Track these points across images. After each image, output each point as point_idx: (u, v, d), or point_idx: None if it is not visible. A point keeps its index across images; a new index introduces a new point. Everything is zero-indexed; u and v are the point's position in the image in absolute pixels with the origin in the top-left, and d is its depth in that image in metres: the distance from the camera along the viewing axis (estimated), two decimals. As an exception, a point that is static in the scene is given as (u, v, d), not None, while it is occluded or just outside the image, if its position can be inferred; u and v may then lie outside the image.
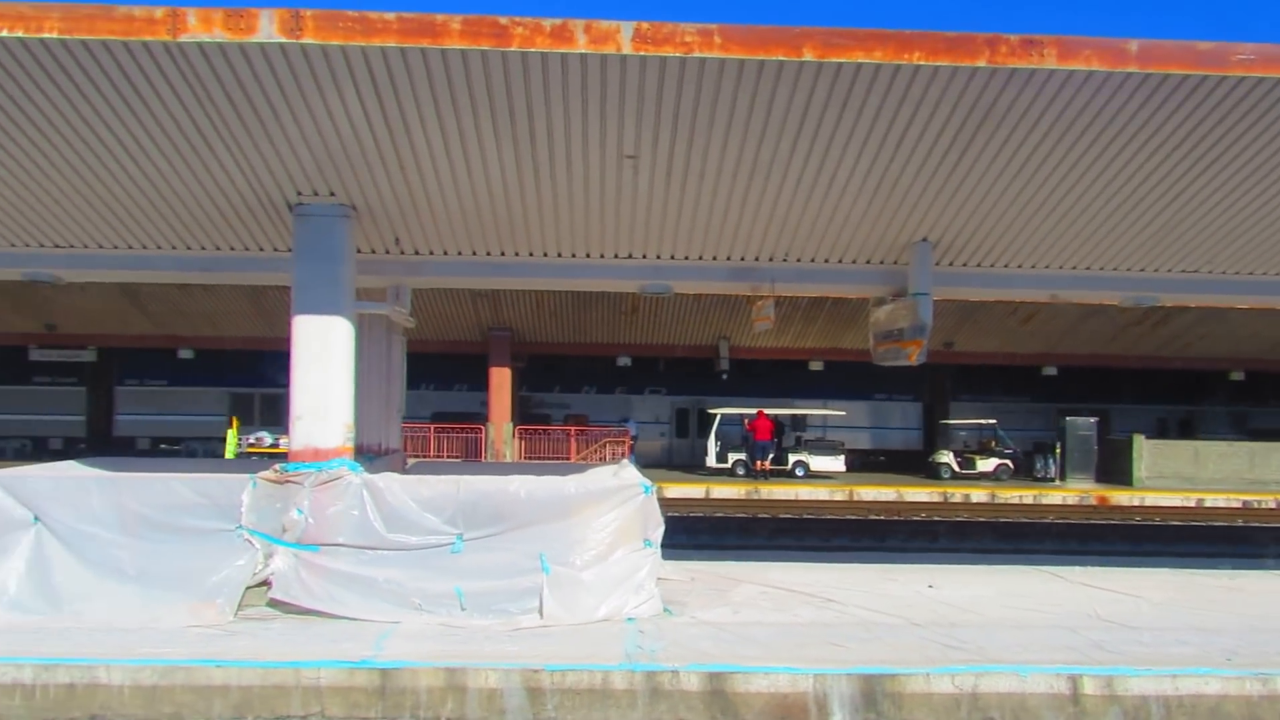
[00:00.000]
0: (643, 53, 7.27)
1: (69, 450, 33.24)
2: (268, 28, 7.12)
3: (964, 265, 10.96)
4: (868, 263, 10.96)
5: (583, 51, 7.27)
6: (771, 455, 30.04)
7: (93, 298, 28.00)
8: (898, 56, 7.35)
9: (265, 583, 9.01)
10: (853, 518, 23.04)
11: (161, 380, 35.23)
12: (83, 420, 35.16)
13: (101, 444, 34.58)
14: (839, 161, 8.88)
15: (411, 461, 14.18)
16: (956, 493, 26.23)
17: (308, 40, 7.17)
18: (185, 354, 32.52)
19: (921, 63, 7.38)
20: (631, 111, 8.11)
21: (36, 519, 9.07)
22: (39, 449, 33.98)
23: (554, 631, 8.44)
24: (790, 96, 7.90)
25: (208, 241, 10.51)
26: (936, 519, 23.10)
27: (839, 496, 25.73)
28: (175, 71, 7.59)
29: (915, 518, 23.32)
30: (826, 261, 10.95)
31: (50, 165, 8.94)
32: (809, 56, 7.33)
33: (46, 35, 7.02)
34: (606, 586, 8.95)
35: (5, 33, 6.97)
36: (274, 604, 8.95)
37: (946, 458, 31.39)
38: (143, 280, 12.95)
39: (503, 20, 7.19)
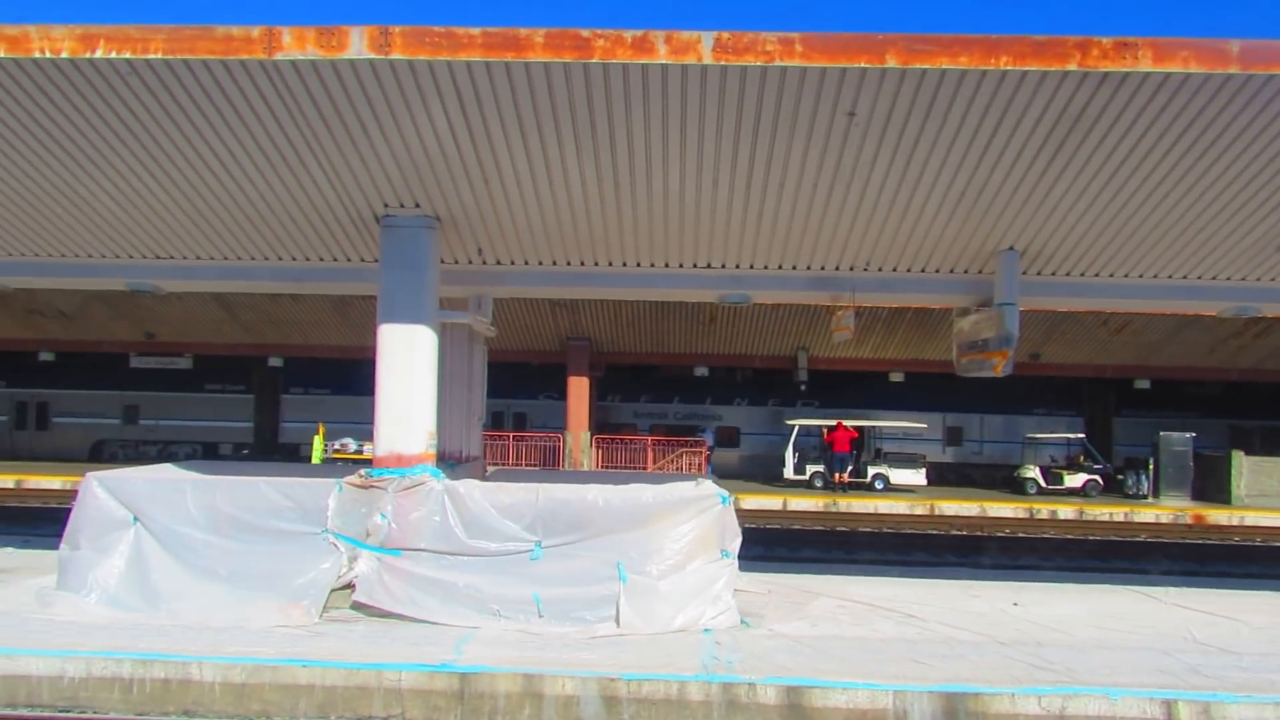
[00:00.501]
0: (723, 62, 7.28)
1: (234, 456, 34.46)
2: (358, 45, 7.33)
3: (1053, 274, 10.68)
4: (951, 272, 10.76)
5: (663, 62, 7.30)
6: (850, 468, 29.64)
7: (189, 307, 29.07)
8: (984, 62, 7.22)
9: (349, 585, 9.22)
10: (934, 532, 22.57)
11: (325, 389, 36.07)
12: (250, 427, 36.10)
13: (268, 450, 35.77)
14: (922, 169, 8.75)
15: (491, 469, 14.37)
16: (1043, 509, 25.51)
17: (396, 56, 7.35)
18: (345, 364, 33.15)
19: (1009, 67, 7.24)
20: (711, 121, 8.11)
21: (136, 519, 9.44)
22: (209, 454, 35.08)
23: (630, 640, 8.45)
24: (873, 104, 7.82)
25: (299, 252, 10.83)
26: (1021, 535, 22.47)
27: (920, 511, 25.24)
28: (270, 88, 7.85)
29: (999, 534, 22.73)
30: (909, 271, 10.79)
31: (153, 180, 9.31)
32: (892, 63, 7.24)
33: (152, 56, 7.34)
34: (683, 596, 8.94)
35: (115, 55, 7.31)
36: (357, 606, 9.15)
37: (1032, 472, 30.55)
38: (237, 290, 13.36)
39: (585, 33, 7.27)
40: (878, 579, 11.90)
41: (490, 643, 8.28)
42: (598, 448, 32.06)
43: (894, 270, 10.79)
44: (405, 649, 7.99)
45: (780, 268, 10.88)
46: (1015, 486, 31.04)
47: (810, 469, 30.42)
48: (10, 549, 12.90)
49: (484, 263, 10.94)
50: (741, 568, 9.70)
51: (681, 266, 10.96)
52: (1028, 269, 10.49)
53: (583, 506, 9.11)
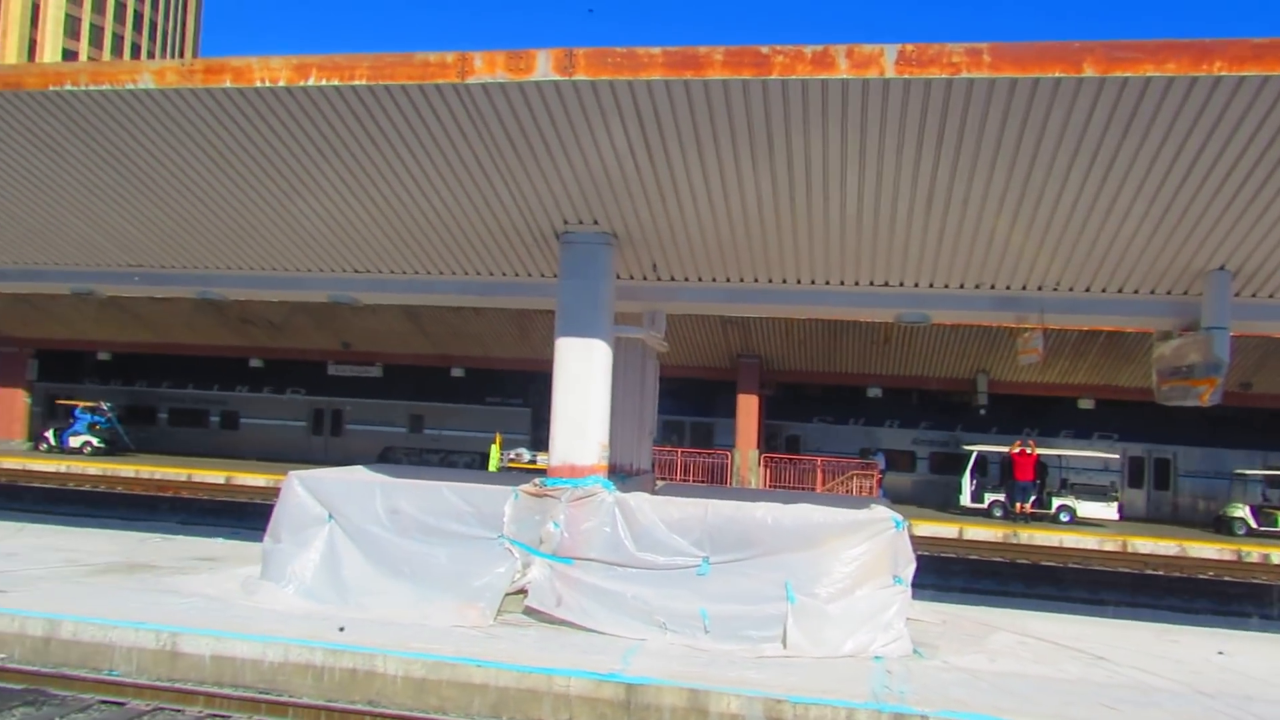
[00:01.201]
0: (906, 75, 7.12)
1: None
2: (544, 67, 7.60)
3: (1270, 296, 9.83)
4: (1152, 293, 10.08)
5: (844, 77, 7.21)
6: (1034, 497, 28.15)
7: (381, 319, 30.82)
8: (1195, 68, 6.75)
9: (522, 590, 9.50)
10: (1126, 570, 21.13)
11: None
12: (528, 439, 37.63)
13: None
14: (1121, 184, 8.25)
15: (660, 483, 14.50)
16: (1253, 551, 23.42)
17: (579, 77, 7.58)
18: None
19: (1224, 73, 6.73)
20: (892, 136, 7.94)
21: (331, 516, 10.07)
22: (484, 465, 36.61)
23: (797, 662, 8.31)
24: (1066, 116, 7.44)
25: (483, 267, 11.30)
26: (1228, 579, 20.72)
27: (1110, 547, 23.68)
28: (461, 110, 8.25)
29: (1201, 576, 21.04)
30: (1104, 291, 10.18)
31: (354, 198, 9.95)
32: (1090, 72, 6.88)
33: (356, 82, 7.86)
34: (853, 621, 8.73)
35: (324, 82, 7.87)
36: (529, 611, 9.41)
37: (1241, 511, 28.10)
38: (425, 303, 14.07)
39: (764, 49, 7.27)
40: (1063, 616, 11.25)
41: (657, 655, 8.34)
42: (766, 466, 31.81)
43: (1086, 290, 10.21)
44: (574, 656, 8.15)
45: (962, 287, 10.50)
46: (1221, 526, 28.65)
47: (989, 497, 29.09)
48: (220, 539, 14.02)
49: (658, 278, 11.08)
50: (914, 596, 9.39)
51: (857, 284, 10.75)
52: (1240, 290, 9.70)
53: (751, 524, 9.06)
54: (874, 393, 33.13)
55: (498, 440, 32.60)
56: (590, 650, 8.38)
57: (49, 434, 34.91)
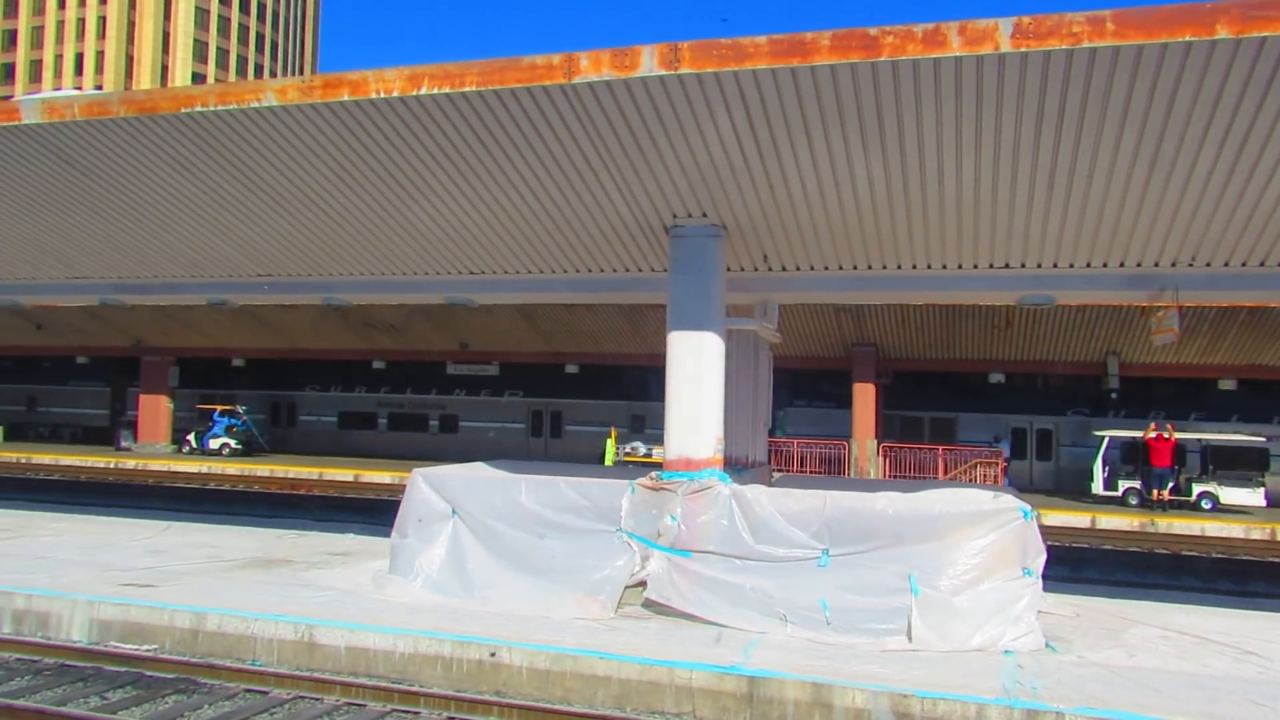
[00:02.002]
0: (1024, 49, 6.85)
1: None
2: (649, 63, 7.62)
3: None
4: (1298, 265, 9.47)
5: (957, 54, 6.99)
6: (1171, 484, 26.78)
7: (496, 318, 31.46)
8: (1342, 23, 6.30)
9: (641, 583, 9.56)
10: (1276, 561, 19.92)
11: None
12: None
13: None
14: (1260, 150, 7.76)
15: (776, 475, 14.38)
16: None
17: (685, 71, 7.56)
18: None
19: (1374, 27, 6.26)
20: (1009, 112, 7.66)
21: (454, 512, 10.34)
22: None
23: (923, 656, 8.13)
24: (1199, 81, 7.04)
25: (593, 264, 11.41)
26: (1392, 569, 19.30)
27: (1258, 535, 22.37)
28: (569, 110, 8.34)
29: (1362, 566, 19.66)
30: (1244, 265, 9.61)
31: (467, 202, 10.18)
32: (1224, 34, 6.49)
33: (467, 89, 8.04)
34: (981, 614, 8.48)
35: (436, 90, 8.08)
36: (648, 604, 9.47)
37: None
38: (538, 301, 14.33)
39: (872, 31, 7.11)
40: (1206, 609, 10.69)
41: (778, 648, 8.28)
42: (884, 456, 31.20)
43: (1225, 265, 9.66)
44: (695, 649, 8.16)
45: (1089, 266, 10.06)
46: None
47: (1123, 484, 27.83)
48: (351, 535, 14.57)
49: (769, 269, 10.99)
50: (1046, 588, 9.06)
51: (976, 267, 10.42)
52: (1399, 258, 9.03)
53: (871, 516, 8.90)
54: (996, 379, 32.06)
55: (613, 435, 32.90)
56: (711, 643, 8.38)
57: (191, 437, 36.91)
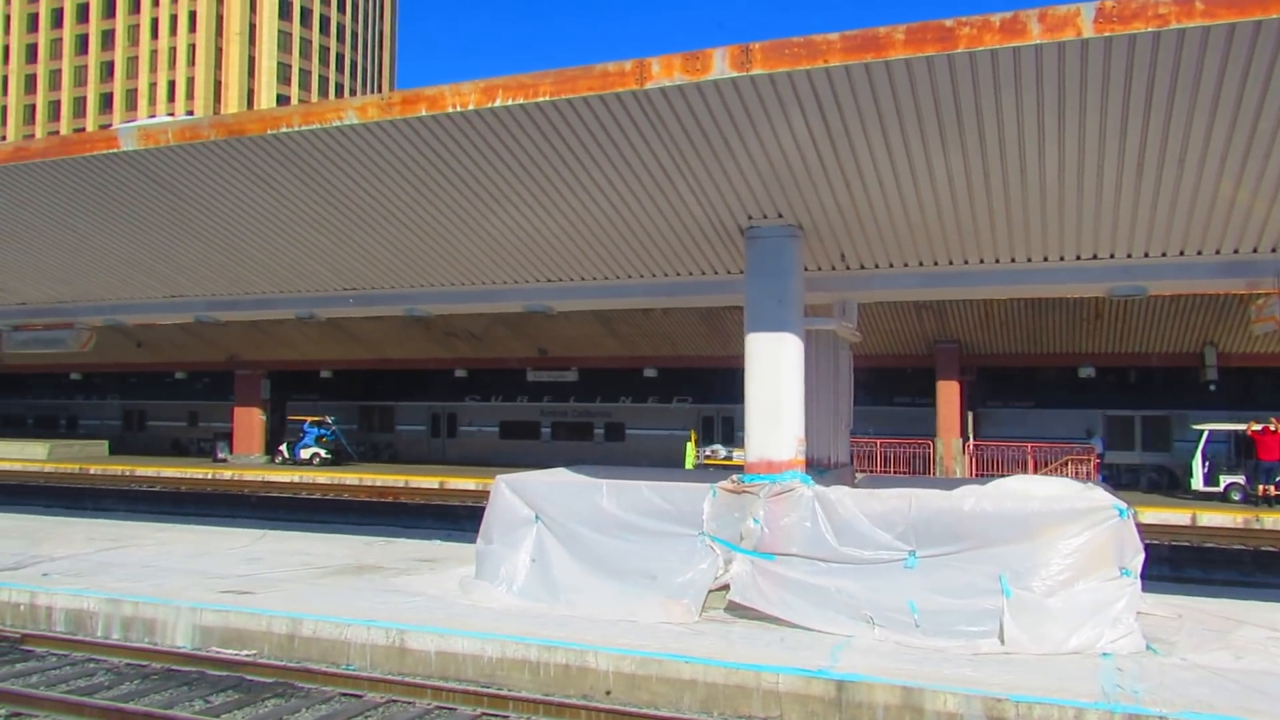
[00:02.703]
0: (1107, 33, 6.65)
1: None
2: (720, 65, 7.60)
3: None
4: None
5: (1037, 43, 6.82)
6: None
7: (574, 324, 31.72)
8: None
9: (724, 586, 9.53)
10: (1396, 558, 18.89)
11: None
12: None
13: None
14: (1367, 127, 7.39)
15: (860, 476, 14.20)
16: None
17: (756, 71, 7.53)
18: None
19: None
20: (1093, 99, 7.44)
21: (538, 517, 10.46)
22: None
23: (1017, 659, 7.94)
24: (1297, 58, 6.74)
25: (669, 268, 11.43)
26: None
27: (1375, 531, 21.26)
28: (641, 116, 8.37)
29: None
30: (1351, 248, 9.16)
31: (544, 210, 10.29)
32: (1322, 8, 6.20)
33: (541, 99, 8.13)
34: (1076, 616, 8.24)
35: (511, 101, 8.19)
36: (732, 607, 9.43)
37: None
38: (615, 306, 14.42)
39: (948, 23, 6.99)
40: (1320, 609, 10.21)
41: (866, 652, 8.17)
42: (970, 454, 30.54)
43: (1331, 248, 9.23)
44: (781, 652, 8.11)
45: (1182, 254, 9.71)
46: None
47: (1225, 479, 26.73)
48: (438, 541, 14.84)
49: (847, 268, 10.86)
50: (1144, 588, 8.76)
51: (1062, 259, 10.15)
52: None
53: (959, 516, 8.72)
54: (1086, 372, 31.10)
55: (693, 438, 32.86)
56: (797, 646, 8.31)
57: (283, 447, 38.06)
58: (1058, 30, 6.73)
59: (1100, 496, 8.80)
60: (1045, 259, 10.18)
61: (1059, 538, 8.41)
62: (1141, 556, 8.49)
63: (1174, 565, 17.17)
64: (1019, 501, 8.70)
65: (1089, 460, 29.00)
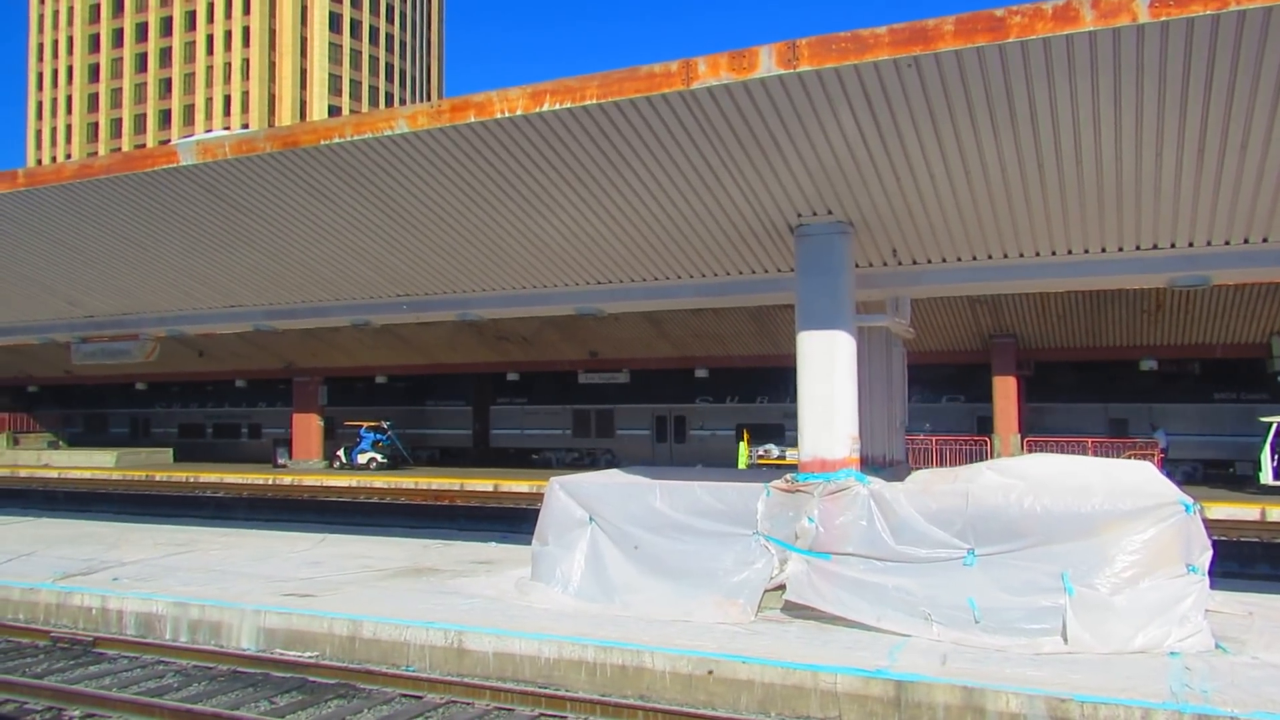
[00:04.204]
0: (1163, 18, 6.50)
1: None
2: (767, 62, 7.57)
3: None
4: None
5: (1090, 29, 6.69)
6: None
7: (624, 326, 31.80)
8: None
9: (779, 587, 9.48)
10: None
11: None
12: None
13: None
14: None
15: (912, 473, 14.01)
16: None
17: (804, 68, 7.48)
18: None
19: None
20: (1151, 85, 7.27)
21: (592, 519, 10.50)
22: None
23: (1080, 659, 7.79)
24: (1365, 37, 6.52)
25: (718, 268, 11.40)
26: None
27: None
28: (689, 116, 8.37)
29: None
30: None
31: (592, 213, 10.33)
32: (1391, -16, 6.00)
33: (588, 102, 8.17)
34: (1142, 614, 8.06)
35: (558, 105, 8.24)
36: (788, 607, 9.38)
37: None
38: (665, 308, 14.43)
39: (999, 13, 6.88)
40: (1401, 606, 9.86)
41: (925, 652, 8.08)
42: (1028, 450, 30.00)
43: (1405, 232, 8.91)
44: (838, 652, 8.04)
45: (1246, 242, 9.44)
46: None
47: (1295, 473, 25.94)
48: (494, 543, 14.96)
49: (899, 264, 10.74)
50: (1212, 586, 8.54)
51: (1121, 250, 9.93)
52: None
53: (1018, 513, 8.58)
54: (1148, 365, 30.41)
55: (745, 437, 32.74)
56: (855, 646, 8.24)
57: (340, 452, 38.67)
58: (1112, 16, 6.60)
59: (1166, 491, 8.59)
60: (1103, 250, 9.97)
61: (1123, 534, 8.23)
62: (1209, 553, 8.28)
63: (1243, 562, 16.71)
64: (1080, 498, 8.53)
65: (1153, 455, 28.33)
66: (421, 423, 43.84)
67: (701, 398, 38.47)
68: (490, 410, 42.78)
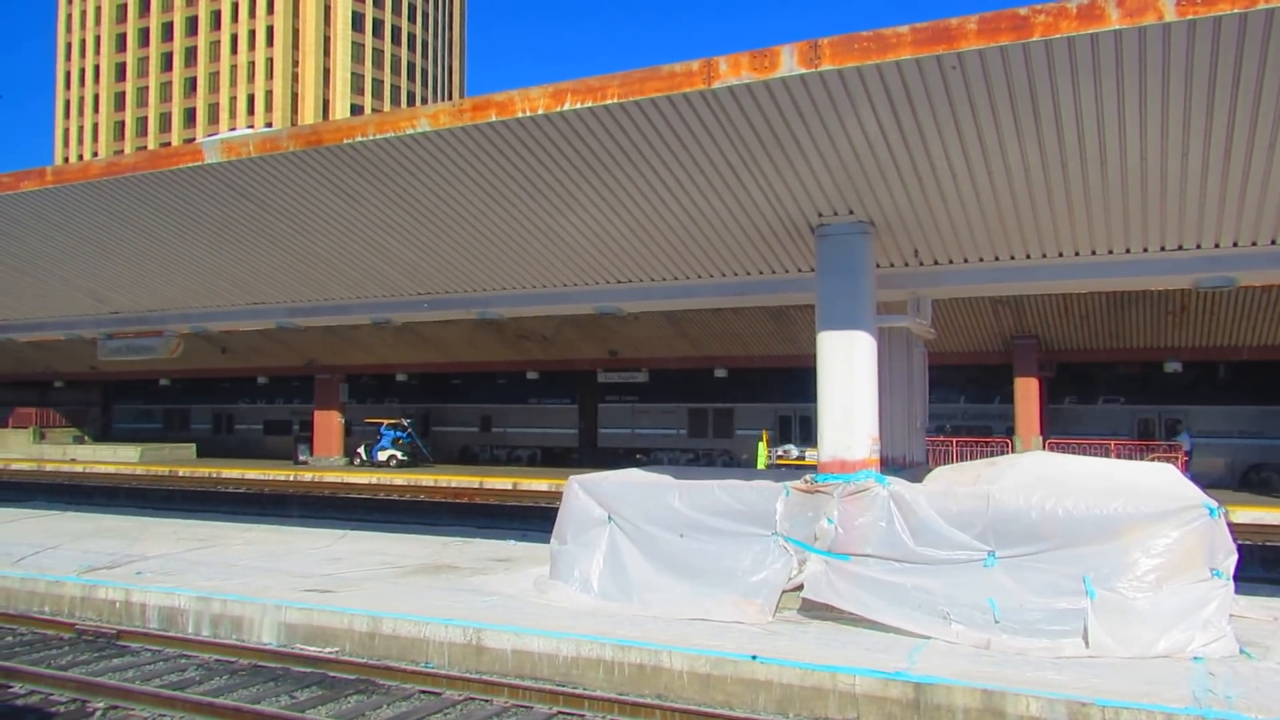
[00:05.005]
0: (1190, 16, 6.44)
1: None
2: (789, 62, 7.56)
3: None
4: None
5: (1116, 28, 6.64)
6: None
7: (644, 325, 31.77)
8: None
9: (798, 587, 9.46)
10: None
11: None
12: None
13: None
14: None
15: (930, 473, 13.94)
16: None
17: (825, 67, 7.46)
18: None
19: None
20: (1177, 84, 7.21)
21: (611, 518, 10.51)
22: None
23: (1102, 663, 7.73)
24: (1396, 36, 6.44)
25: (739, 268, 11.39)
26: None
27: None
28: (709, 115, 8.36)
29: None
30: None
31: (613, 212, 10.35)
32: None
33: (609, 101, 8.18)
34: (1165, 618, 7.99)
35: (579, 105, 8.25)
36: (806, 607, 9.36)
37: None
38: (685, 307, 14.43)
39: (1022, 11, 6.84)
40: None
41: (945, 654, 8.04)
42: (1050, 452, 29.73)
43: None
44: (857, 654, 8.02)
45: (1273, 243, 9.35)
46: None
47: (1323, 478, 25.63)
48: (513, 541, 15.00)
49: (920, 264, 10.69)
50: (1238, 590, 8.46)
51: (1145, 251, 9.84)
52: None
53: (1039, 516, 8.52)
54: (1172, 367, 30.11)
55: (764, 438, 32.67)
56: (873, 648, 8.21)
57: (361, 450, 38.89)
58: (1138, 15, 6.54)
59: (1189, 494, 8.51)
60: (1127, 251, 9.89)
61: (1146, 537, 8.16)
62: (1234, 558, 8.20)
63: (1269, 567, 16.52)
64: (1101, 501, 8.46)
65: (1176, 458, 28.06)
66: (523, 421, 41.54)
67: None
68: (598, 408, 40.41)
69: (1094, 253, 10.00)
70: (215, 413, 50.50)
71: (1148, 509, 8.25)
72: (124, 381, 48.77)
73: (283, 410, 47.47)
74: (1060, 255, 10.13)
